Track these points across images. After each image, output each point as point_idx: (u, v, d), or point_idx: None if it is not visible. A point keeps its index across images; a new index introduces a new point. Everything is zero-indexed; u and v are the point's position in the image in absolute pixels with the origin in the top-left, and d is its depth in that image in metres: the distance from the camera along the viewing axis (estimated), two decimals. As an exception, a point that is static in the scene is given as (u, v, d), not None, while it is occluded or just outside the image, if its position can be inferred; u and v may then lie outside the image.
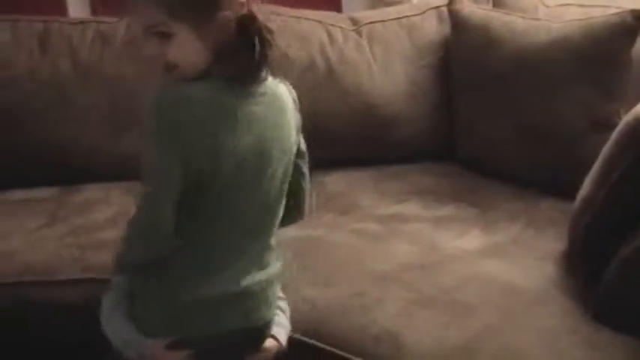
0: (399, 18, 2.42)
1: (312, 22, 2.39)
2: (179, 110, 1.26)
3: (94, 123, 2.26)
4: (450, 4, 2.33)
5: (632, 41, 2.00)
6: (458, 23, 2.29)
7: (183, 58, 1.29)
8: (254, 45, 1.29)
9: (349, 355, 1.53)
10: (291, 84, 1.45)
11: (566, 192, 2.00)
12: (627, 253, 1.57)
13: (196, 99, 1.28)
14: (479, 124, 2.25)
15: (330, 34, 2.37)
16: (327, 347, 1.55)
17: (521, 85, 2.14)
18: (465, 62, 2.29)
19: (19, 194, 2.16)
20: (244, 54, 1.30)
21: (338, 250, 1.85)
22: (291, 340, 1.51)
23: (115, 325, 1.40)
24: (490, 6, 2.42)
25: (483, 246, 1.87)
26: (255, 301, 1.40)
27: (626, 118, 1.62)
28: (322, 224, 1.96)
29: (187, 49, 1.29)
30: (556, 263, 1.79)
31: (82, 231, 1.96)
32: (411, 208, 2.08)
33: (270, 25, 1.31)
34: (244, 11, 1.30)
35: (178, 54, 1.29)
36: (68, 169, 2.23)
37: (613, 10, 2.07)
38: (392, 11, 2.50)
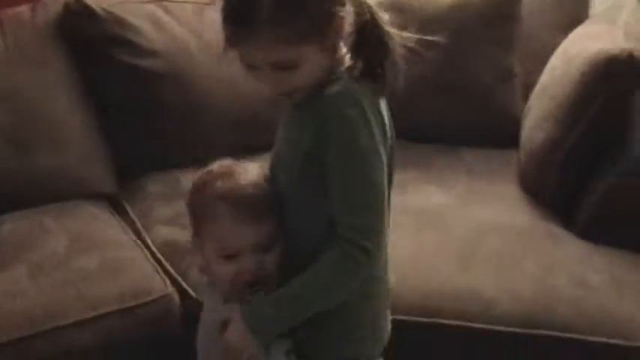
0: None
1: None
2: (370, 113, 1.17)
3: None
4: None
5: (522, -3, 2.23)
6: None
7: (311, 79, 1.18)
8: (376, 37, 1.19)
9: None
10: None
11: (482, 141, 2.22)
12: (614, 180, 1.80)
13: (363, 97, 1.18)
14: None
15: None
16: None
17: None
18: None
19: None
20: (369, 48, 1.19)
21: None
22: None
23: None
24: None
25: (455, 199, 1.98)
26: None
27: (587, 60, 1.82)
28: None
29: (315, 67, 1.17)
30: (523, 202, 1.97)
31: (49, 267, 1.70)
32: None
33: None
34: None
35: (308, 77, 1.17)
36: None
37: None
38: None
